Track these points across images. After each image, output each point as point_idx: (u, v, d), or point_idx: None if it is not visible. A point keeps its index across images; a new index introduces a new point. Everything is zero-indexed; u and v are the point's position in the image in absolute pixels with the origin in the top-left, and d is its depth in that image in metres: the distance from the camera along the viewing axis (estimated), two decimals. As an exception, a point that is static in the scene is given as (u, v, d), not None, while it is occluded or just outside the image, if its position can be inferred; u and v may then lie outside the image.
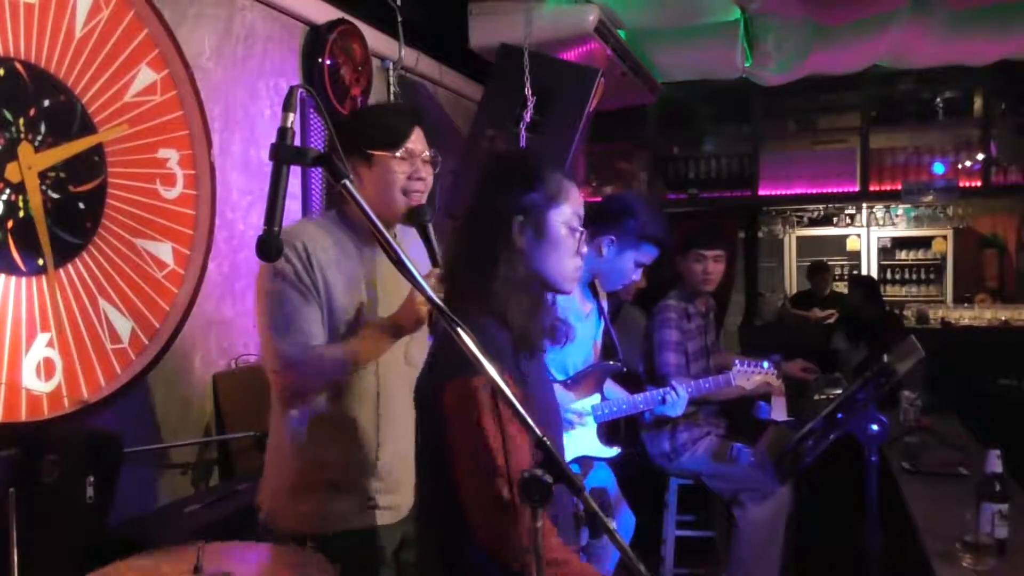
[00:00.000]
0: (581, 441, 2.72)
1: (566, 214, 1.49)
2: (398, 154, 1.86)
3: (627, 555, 1.12)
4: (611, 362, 2.89)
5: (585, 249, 1.55)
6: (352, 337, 1.82)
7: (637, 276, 2.88)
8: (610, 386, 2.97)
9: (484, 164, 1.59)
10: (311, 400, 1.86)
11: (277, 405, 1.90)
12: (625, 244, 2.81)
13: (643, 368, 3.52)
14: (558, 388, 2.72)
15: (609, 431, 2.87)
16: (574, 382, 2.76)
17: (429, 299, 1.15)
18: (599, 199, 7.18)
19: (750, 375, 3.20)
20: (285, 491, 1.90)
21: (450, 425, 1.36)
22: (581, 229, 1.52)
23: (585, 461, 2.79)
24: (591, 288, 2.89)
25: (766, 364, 3.22)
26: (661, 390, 3.00)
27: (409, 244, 1.97)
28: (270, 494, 1.95)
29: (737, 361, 3.24)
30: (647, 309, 3.60)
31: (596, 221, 2.83)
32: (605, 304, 2.95)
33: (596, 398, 2.81)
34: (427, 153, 1.92)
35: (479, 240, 1.46)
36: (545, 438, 1.12)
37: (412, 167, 1.88)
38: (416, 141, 1.90)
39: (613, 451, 2.82)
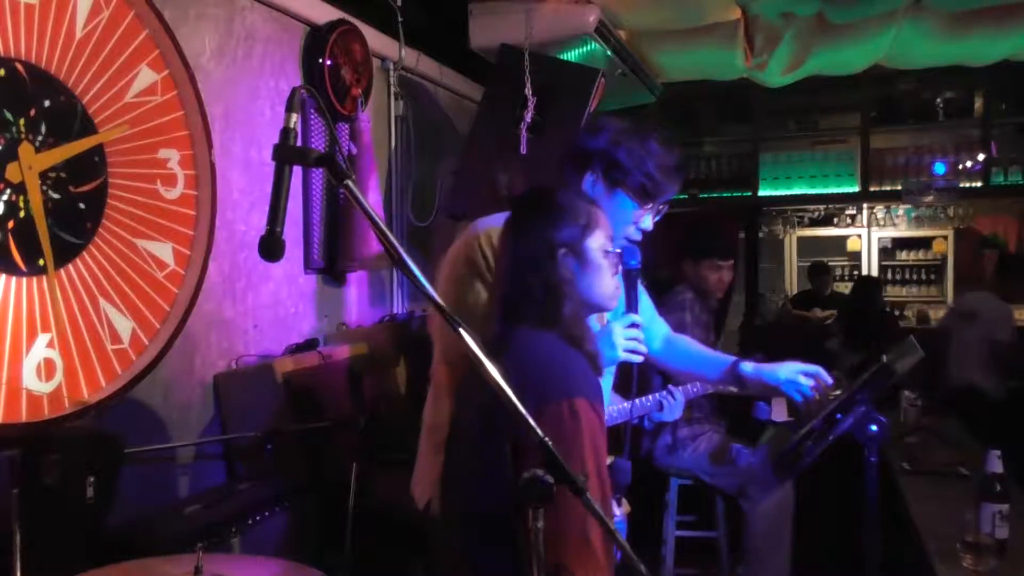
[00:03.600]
0: None
1: (600, 240, 1.62)
2: (644, 207, 1.99)
3: (628, 555, 1.13)
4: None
5: (620, 268, 1.68)
6: None
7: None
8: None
9: (517, 204, 1.72)
10: None
11: (444, 388, 1.93)
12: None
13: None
14: None
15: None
16: None
17: (432, 301, 1.15)
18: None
19: None
20: (427, 472, 1.93)
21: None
22: (615, 251, 1.65)
23: None
24: None
25: None
26: (657, 395, 2.99)
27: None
28: (418, 470, 1.99)
29: None
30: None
31: None
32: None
33: None
34: (659, 213, 2.05)
35: (531, 274, 1.58)
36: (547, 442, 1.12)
37: (639, 221, 2.02)
38: (660, 205, 2.04)
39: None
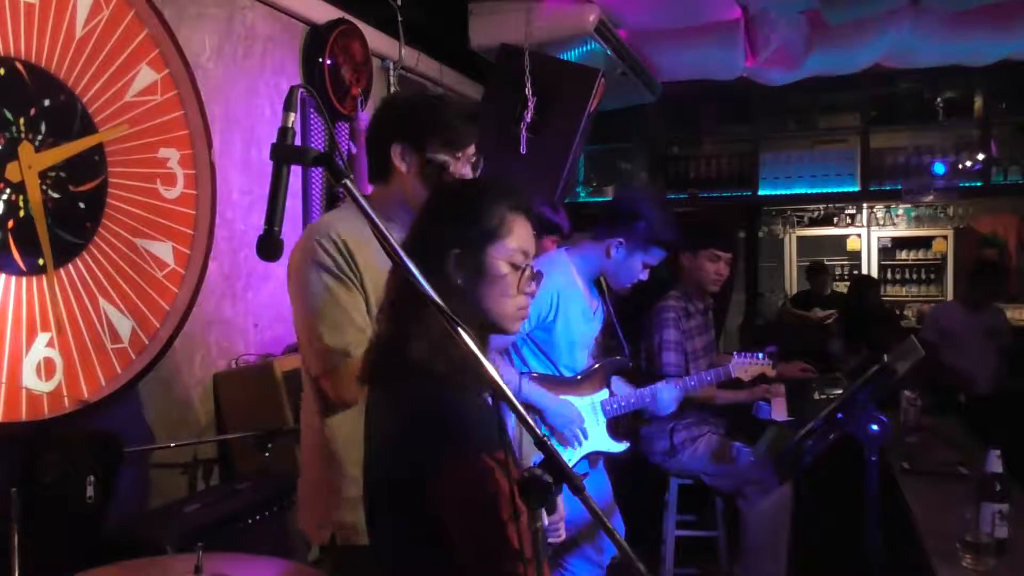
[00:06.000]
0: (591, 437, 2.73)
1: (508, 250, 1.38)
2: (456, 155, 1.82)
3: (627, 554, 1.12)
4: (617, 358, 2.90)
5: (534, 287, 1.43)
6: None
7: (644, 276, 2.88)
8: (615, 382, 2.98)
9: (431, 193, 1.53)
10: (349, 407, 1.75)
11: (313, 412, 1.81)
12: (634, 247, 2.79)
13: (644, 368, 3.51)
14: (567, 386, 2.73)
15: (615, 426, 2.88)
16: (582, 379, 2.77)
17: (427, 296, 1.15)
18: (600, 198, 7.27)
19: (747, 366, 3.22)
20: (319, 499, 1.83)
21: (451, 509, 1.24)
22: (526, 265, 1.41)
23: (593, 456, 2.79)
24: (597, 286, 2.89)
25: (761, 355, 3.25)
26: (652, 386, 2.99)
27: None
28: (304, 501, 1.90)
29: (736, 354, 3.26)
30: (643, 305, 3.59)
31: (605, 221, 2.83)
32: (609, 304, 2.96)
33: (604, 393, 2.82)
34: (475, 156, 1.87)
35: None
36: (545, 439, 1.12)
37: (462, 169, 1.84)
38: (473, 146, 1.86)
39: (622, 445, 2.83)
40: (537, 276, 1.44)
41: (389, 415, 1.35)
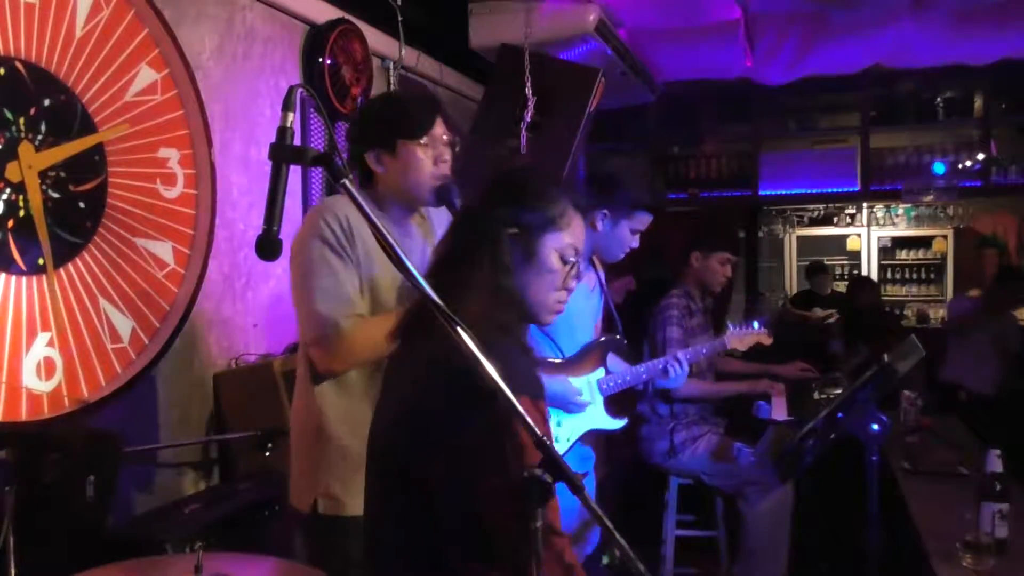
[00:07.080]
0: (589, 415, 2.74)
1: (562, 243, 1.43)
2: (422, 141, 1.91)
3: (627, 554, 1.12)
4: (611, 337, 2.90)
5: (575, 284, 1.47)
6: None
7: (635, 243, 2.90)
8: (612, 359, 2.98)
9: (496, 170, 1.58)
10: (342, 375, 1.88)
11: (306, 379, 1.93)
12: (618, 215, 2.82)
13: None
14: (563, 367, 2.74)
15: (616, 402, 2.89)
16: (578, 359, 2.78)
17: (429, 300, 1.15)
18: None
19: (743, 336, 3.22)
20: (306, 469, 1.93)
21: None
22: (575, 261, 1.44)
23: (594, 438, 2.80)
24: (591, 263, 2.90)
25: (756, 324, 3.25)
26: (662, 359, 3.00)
27: (441, 223, 2.03)
28: (297, 475, 1.99)
29: (730, 325, 3.26)
30: (640, 310, 3.60)
31: (586, 196, 2.84)
32: (603, 275, 2.97)
33: (600, 372, 2.83)
34: (446, 136, 1.97)
35: (467, 242, 1.41)
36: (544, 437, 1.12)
37: (436, 151, 1.94)
38: (438, 126, 1.95)
39: (620, 422, 2.84)
40: (580, 274, 1.47)
41: (419, 374, 1.36)
